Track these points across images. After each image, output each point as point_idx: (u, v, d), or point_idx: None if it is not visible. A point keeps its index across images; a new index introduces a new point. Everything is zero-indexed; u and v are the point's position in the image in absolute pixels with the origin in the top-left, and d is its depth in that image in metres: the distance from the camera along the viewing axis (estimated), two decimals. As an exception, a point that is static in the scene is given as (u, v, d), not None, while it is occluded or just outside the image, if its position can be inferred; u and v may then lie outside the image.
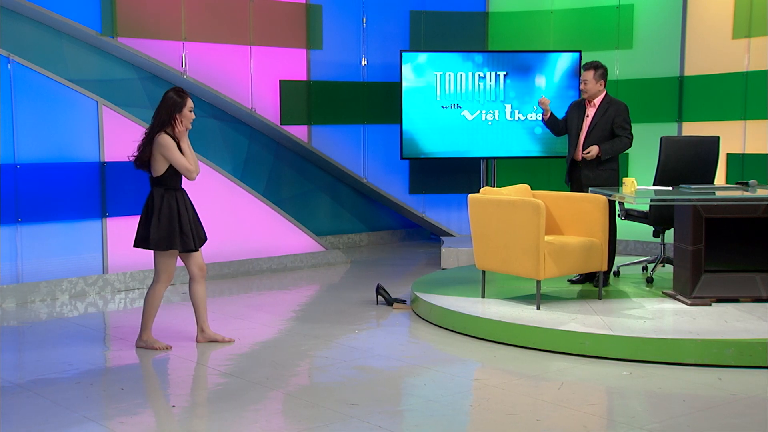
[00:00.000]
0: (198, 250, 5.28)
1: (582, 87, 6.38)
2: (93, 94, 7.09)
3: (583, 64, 6.51)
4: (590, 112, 6.38)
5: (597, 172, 6.31)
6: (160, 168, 5.09)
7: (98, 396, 4.42)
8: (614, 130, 6.30)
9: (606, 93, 6.42)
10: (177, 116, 5.10)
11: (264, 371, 4.77)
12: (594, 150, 6.22)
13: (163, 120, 5.09)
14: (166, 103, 5.11)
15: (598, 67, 6.34)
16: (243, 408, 4.16)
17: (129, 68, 7.88)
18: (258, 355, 5.17)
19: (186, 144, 5.14)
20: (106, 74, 7.72)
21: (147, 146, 5.11)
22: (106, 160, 7.02)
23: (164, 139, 5.05)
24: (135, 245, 5.20)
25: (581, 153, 6.32)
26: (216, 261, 7.60)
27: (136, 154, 5.16)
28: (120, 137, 7.08)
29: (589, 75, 6.32)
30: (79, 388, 4.50)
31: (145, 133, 5.17)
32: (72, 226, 6.89)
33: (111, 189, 7.05)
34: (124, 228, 7.12)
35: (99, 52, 7.71)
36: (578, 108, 6.50)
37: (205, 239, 5.32)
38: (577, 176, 6.40)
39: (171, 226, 5.08)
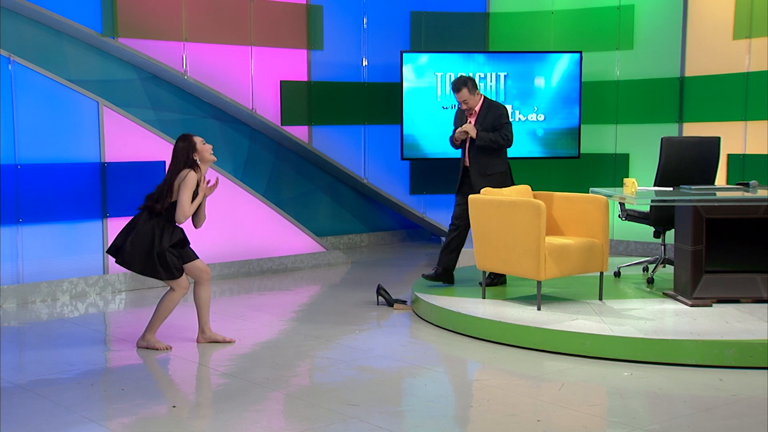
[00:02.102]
0: (190, 261, 5.28)
1: (464, 107, 6.34)
2: (94, 94, 7.09)
3: (452, 86, 6.35)
4: (471, 119, 6.38)
5: (487, 178, 6.29)
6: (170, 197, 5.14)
7: (99, 396, 4.42)
8: (494, 129, 6.31)
9: (483, 98, 6.42)
10: (195, 155, 5.18)
11: (265, 372, 4.77)
12: (470, 129, 6.25)
13: (179, 164, 5.14)
14: (180, 151, 5.16)
15: (466, 82, 6.29)
16: (244, 408, 4.16)
17: (129, 69, 7.89)
18: (259, 355, 5.17)
19: (203, 193, 5.20)
20: (106, 75, 7.73)
21: (168, 190, 5.12)
22: (106, 160, 7.02)
23: (191, 175, 5.12)
24: (109, 252, 5.23)
25: (468, 158, 6.35)
26: (217, 261, 7.60)
27: (154, 198, 5.14)
28: (120, 138, 7.09)
29: (465, 93, 6.26)
30: (79, 388, 4.50)
31: (165, 180, 5.17)
32: (73, 227, 6.89)
33: (111, 189, 7.04)
34: (124, 228, 7.12)
35: (100, 53, 7.71)
36: (461, 117, 6.49)
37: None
38: (469, 183, 6.37)
39: (147, 251, 5.07)
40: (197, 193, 5.20)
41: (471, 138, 6.30)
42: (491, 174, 6.32)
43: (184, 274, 5.25)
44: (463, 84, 6.29)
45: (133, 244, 5.09)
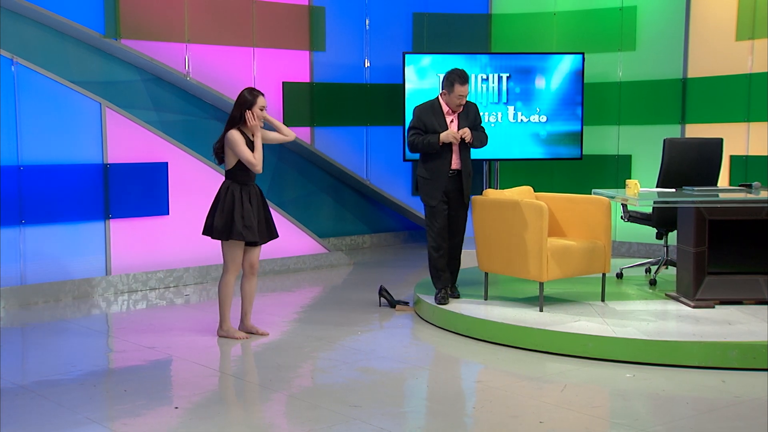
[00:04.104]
0: (259, 246, 5.49)
1: (461, 101, 5.90)
2: (96, 95, 7.10)
3: (458, 79, 5.88)
4: (453, 117, 5.98)
5: (469, 178, 6.05)
6: (230, 162, 5.39)
7: (101, 397, 4.43)
8: (476, 129, 6.05)
9: None
10: (248, 113, 5.34)
11: (267, 373, 4.77)
12: (468, 133, 5.87)
13: (234, 117, 5.37)
14: (239, 101, 5.39)
15: (469, 77, 5.96)
16: (246, 409, 4.16)
17: (132, 70, 7.89)
18: (261, 356, 5.17)
19: (258, 139, 5.38)
20: (109, 76, 7.73)
21: (220, 141, 5.40)
22: (109, 161, 7.03)
23: (232, 134, 5.34)
24: (203, 233, 5.45)
25: (459, 161, 5.93)
26: (219, 263, 7.59)
27: (219, 156, 5.46)
28: (123, 139, 7.10)
29: (467, 89, 5.89)
30: (82, 389, 4.50)
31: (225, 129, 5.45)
32: (75, 228, 6.90)
33: (114, 191, 7.05)
34: (127, 230, 7.13)
35: (102, 54, 7.72)
36: (435, 116, 5.98)
37: (274, 236, 5.53)
38: (458, 188, 5.96)
39: (231, 217, 5.28)
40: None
41: (463, 139, 5.89)
42: (471, 174, 6.11)
43: (240, 255, 5.40)
44: (467, 79, 5.95)
45: (221, 216, 5.27)
